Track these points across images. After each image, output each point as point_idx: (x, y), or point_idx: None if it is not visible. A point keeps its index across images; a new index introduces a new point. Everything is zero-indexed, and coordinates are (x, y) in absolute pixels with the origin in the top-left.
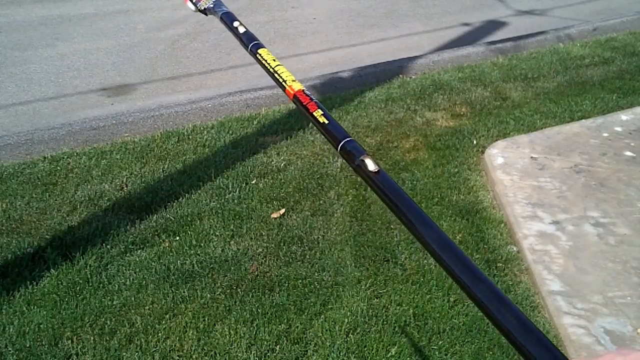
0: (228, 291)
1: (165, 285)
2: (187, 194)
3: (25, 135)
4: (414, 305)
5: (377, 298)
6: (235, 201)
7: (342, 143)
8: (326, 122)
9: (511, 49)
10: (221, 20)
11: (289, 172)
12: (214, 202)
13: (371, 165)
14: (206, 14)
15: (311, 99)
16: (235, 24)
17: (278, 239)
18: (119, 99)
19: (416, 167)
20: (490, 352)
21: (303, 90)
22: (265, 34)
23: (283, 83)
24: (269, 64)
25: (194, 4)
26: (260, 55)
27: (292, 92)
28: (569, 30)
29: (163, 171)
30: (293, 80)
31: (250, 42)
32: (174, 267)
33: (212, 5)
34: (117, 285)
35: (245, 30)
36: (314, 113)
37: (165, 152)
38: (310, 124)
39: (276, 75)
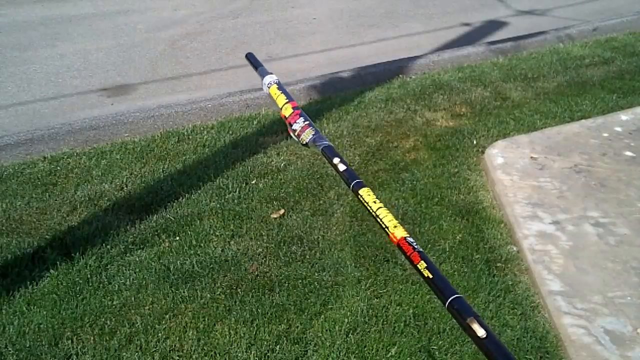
0: (228, 291)
1: (165, 285)
2: (187, 194)
3: (25, 135)
4: (414, 305)
5: (377, 298)
6: (235, 201)
7: (449, 300)
8: (431, 276)
9: (511, 49)
10: (322, 153)
11: (289, 172)
12: (214, 202)
13: (480, 331)
14: (307, 146)
15: (414, 249)
16: (336, 160)
17: (278, 239)
18: (119, 99)
19: (416, 167)
20: None
21: (405, 238)
22: (265, 34)
23: (385, 228)
24: (370, 206)
25: (297, 137)
26: (361, 195)
27: (395, 239)
28: (569, 30)
29: (163, 171)
30: (395, 227)
31: (352, 180)
32: (174, 267)
33: (312, 138)
34: (117, 285)
35: (345, 168)
36: (418, 265)
37: (165, 152)
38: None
39: (378, 219)
